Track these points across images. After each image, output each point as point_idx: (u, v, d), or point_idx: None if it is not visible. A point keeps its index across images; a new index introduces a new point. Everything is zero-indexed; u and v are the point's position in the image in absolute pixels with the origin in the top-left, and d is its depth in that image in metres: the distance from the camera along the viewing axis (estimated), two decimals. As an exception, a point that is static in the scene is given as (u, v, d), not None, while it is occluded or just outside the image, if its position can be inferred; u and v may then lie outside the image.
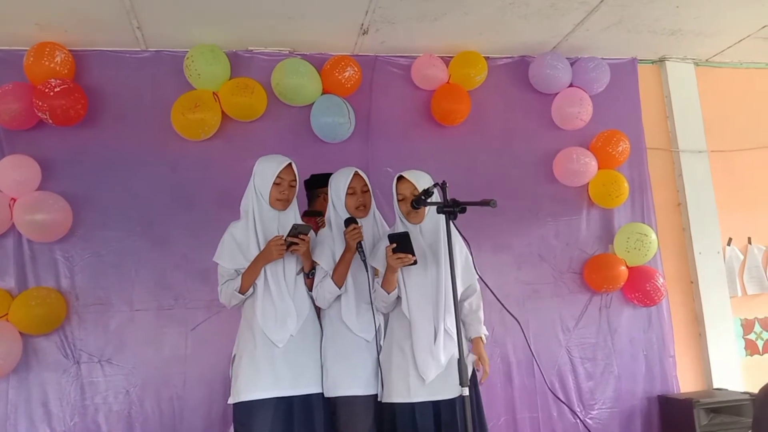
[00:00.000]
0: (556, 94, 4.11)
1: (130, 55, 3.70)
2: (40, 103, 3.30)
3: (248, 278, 2.54)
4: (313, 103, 3.76)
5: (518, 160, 4.04)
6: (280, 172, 2.60)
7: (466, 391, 2.25)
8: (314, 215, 3.15)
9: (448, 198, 2.38)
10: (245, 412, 2.44)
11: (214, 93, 3.61)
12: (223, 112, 3.63)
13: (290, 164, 2.65)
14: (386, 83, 3.96)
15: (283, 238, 2.51)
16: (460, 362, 2.28)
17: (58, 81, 3.35)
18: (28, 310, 3.26)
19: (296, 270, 2.63)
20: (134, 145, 3.60)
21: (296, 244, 2.51)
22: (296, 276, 2.62)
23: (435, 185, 2.50)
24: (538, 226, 4.01)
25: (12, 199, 3.33)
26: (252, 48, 3.80)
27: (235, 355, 2.59)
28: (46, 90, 3.30)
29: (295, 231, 2.50)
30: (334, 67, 3.74)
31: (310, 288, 2.64)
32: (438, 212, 2.41)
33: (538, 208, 4.00)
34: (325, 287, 2.58)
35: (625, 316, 4.08)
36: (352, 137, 3.82)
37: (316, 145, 3.80)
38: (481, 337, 2.72)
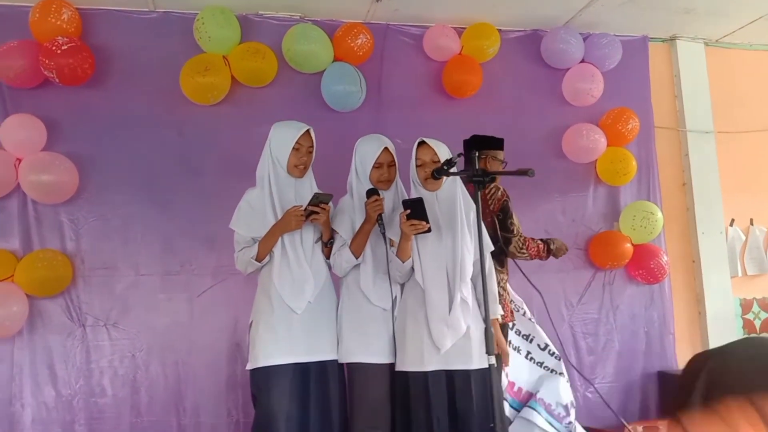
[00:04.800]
0: (568, 69, 4.08)
1: (138, 15, 3.61)
2: (46, 61, 3.23)
3: (265, 246, 2.52)
4: (323, 71, 3.71)
5: (527, 134, 4.01)
6: (299, 138, 2.57)
7: (492, 360, 2.24)
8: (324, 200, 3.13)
9: (477, 167, 2.36)
10: (263, 377, 2.45)
11: (224, 57, 3.54)
12: (232, 77, 3.57)
13: (308, 130, 2.61)
14: (398, 53, 3.92)
15: (303, 207, 2.48)
16: (487, 331, 2.28)
17: (65, 39, 3.26)
18: (33, 272, 3.22)
19: (314, 238, 2.61)
20: (141, 107, 3.54)
21: (316, 213, 2.49)
22: (314, 244, 2.60)
23: (459, 155, 2.48)
24: (545, 202, 4.01)
25: (17, 159, 3.27)
26: (263, 12, 3.73)
27: (252, 322, 2.59)
28: (53, 48, 3.22)
29: (317, 200, 2.48)
30: (346, 34, 3.68)
31: (327, 256, 2.64)
32: (467, 182, 2.39)
33: (545, 183, 3.99)
34: (343, 256, 2.57)
35: (627, 293, 4.13)
36: (362, 107, 3.78)
37: (326, 114, 3.75)
38: (497, 318, 2.72)
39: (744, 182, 4.38)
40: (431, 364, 2.51)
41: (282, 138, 2.59)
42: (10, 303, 3.16)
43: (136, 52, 3.57)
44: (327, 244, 2.63)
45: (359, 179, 2.67)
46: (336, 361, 2.58)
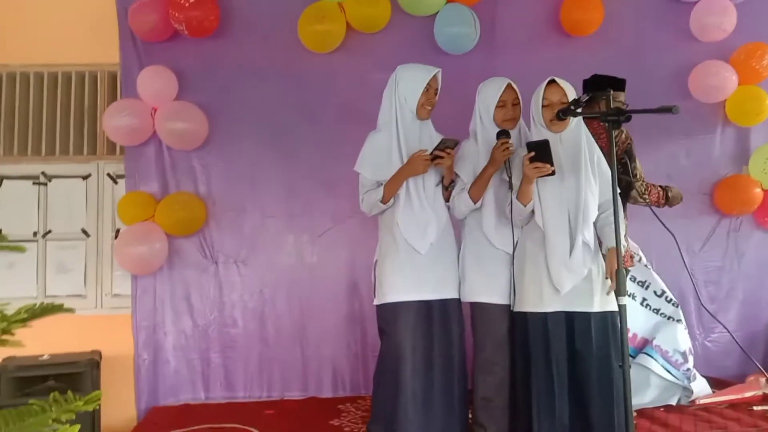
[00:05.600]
0: (696, 1, 3.81)
1: (258, -34, 3.71)
2: (176, 14, 3.41)
3: (391, 189, 2.60)
4: (436, 13, 3.67)
5: (650, 73, 3.81)
6: (431, 79, 2.61)
7: (623, 300, 2.24)
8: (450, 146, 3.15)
9: (611, 106, 2.31)
10: (390, 312, 2.59)
11: (339, 3, 3.59)
12: (347, 24, 3.62)
13: (438, 72, 2.65)
14: (513, -9, 3.81)
15: (429, 151, 2.54)
16: (619, 272, 2.27)
17: (192, -8, 3.43)
18: (172, 213, 3.50)
19: (435, 181, 2.67)
20: (263, 57, 3.68)
21: (442, 157, 2.54)
22: (435, 187, 2.67)
23: (587, 95, 2.43)
24: (669, 144, 3.84)
25: (153, 108, 3.52)
26: (376, -44, 3.72)
27: (377, 261, 2.71)
28: (182, 1, 3.39)
29: (443, 144, 2.53)
30: (459, -26, 3.62)
31: (446, 199, 2.70)
32: (601, 121, 2.35)
33: (669, 125, 3.79)
34: (462, 200, 2.63)
35: (754, 240, 3.94)
36: (475, 49, 3.72)
37: (439, 57, 3.68)
38: (613, 249, 2.66)
39: None
40: (551, 305, 2.54)
41: (412, 79, 2.63)
42: (152, 241, 3.47)
43: (257, 3, 3.69)
44: (447, 188, 2.68)
45: (483, 123, 2.68)
46: (457, 299, 2.67)
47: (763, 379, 3.56)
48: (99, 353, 3.46)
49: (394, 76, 2.70)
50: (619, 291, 2.25)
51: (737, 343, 3.63)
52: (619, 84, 3.04)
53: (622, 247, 2.55)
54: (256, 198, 3.69)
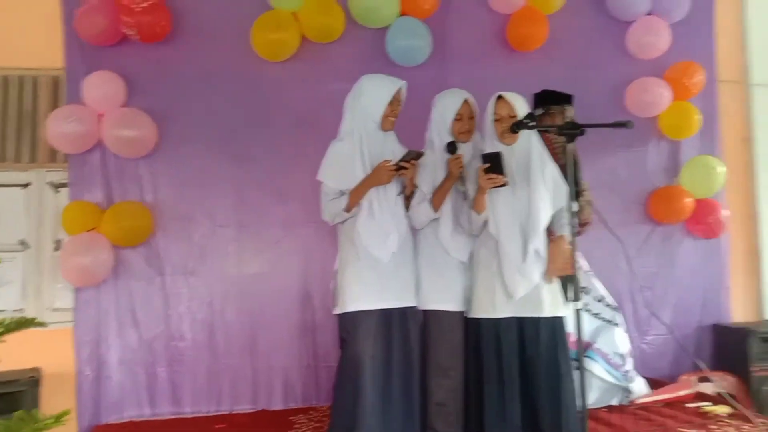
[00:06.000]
0: (633, 21, 4.03)
1: (209, -28, 3.67)
2: (127, 19, 3.32)
3: (354, 198, 2.62)
4: (389, 26, 3.73)
5: (591, 88, 3.97)
6: (396, 92, 2.66)
7: (579, 305, 2.34)
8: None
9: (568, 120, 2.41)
10: (351, 321, 2.60)
11: (293, 13, 3.59)
12: (301, 33, 3.62)
13: (403, 85, 2.71)
14: (464, 6, 3.90)
15: (393, 162, 2.58)
16: (573, 278, 2.38)
17: (142, -3, 3.35)
18: (118, 223, 3.38)
19: (397, 191, 2.71)
20: (215, 63, 3.63)
21: (406, 168, 2.58)
22: (396, 197, 2.71)
23: (540, 109, 2.53)
24: (607, 156, 4.02)
25: (99, 114, 3.40)
26: (330, -33, 3.75)
27: (337, 270, 2.72)
28: (133, 6, 3.30)
29: (408, 156, 2.58)
30: (412, -13, 3.69)
31: (406, 208, 2.74)
32: (557, 134, 2.45)
33: (608, 138, 3.98)
34: (422, 210, 2.68)
35: (684, 247, 4.16)
36: (427, 62, 3.80)
37: (391, 69, 3.67)
38: (564, 236, 2.73)
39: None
40: (503, 311, 2.63)
41: (377, 90, 2.66)
42: (97, 252, 3.35)
43: (210, 10, 3.64)
44: (408, 198, 2.72)
45: (439, 135, 2.75)
46: (415, 307, 2.72)
47: (694, 378, 3.79)
48: (39, 370, 3.30)
49: (358, 86, 2.72)
50: (575, 296, 2.36)
51: (674, 335, 3.85)
52: (567, 99, 3.17)
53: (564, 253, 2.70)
54: (206, 207, 3.62)
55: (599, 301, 3.62)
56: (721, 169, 3.97)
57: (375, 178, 2.60)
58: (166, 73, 3.58)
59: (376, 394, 2.59)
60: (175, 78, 3.59)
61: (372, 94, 2.66)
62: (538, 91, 3.88)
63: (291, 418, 3.35)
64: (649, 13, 4.01)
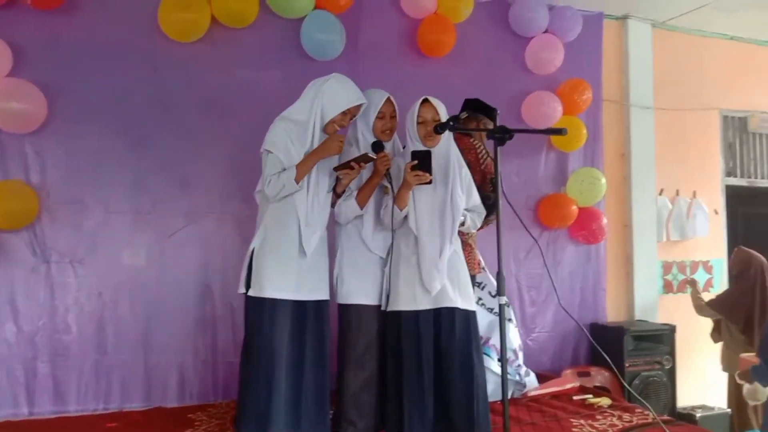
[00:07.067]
0: (532, 38, 4.28)
1: (117, -62, 3.43)
2: (18, -20, 3.03)
3: (303, 170, 2.56)
4: (303, 17, 3.69)
5: (492, 98, 4.01)
6: (354, 107, 2.67)
7: (503, 300, 2.45)
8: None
9: (497, 124, 2.52)
10: (267, 308, 2.56)
11: (205, -7, 3.45)
12: (212, 15, 3.49)
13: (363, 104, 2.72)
14: (377, 6, 3.95)
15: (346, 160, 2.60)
16: (500, 274, 2.47)
17: (37, -43, 3.08)
18: (-2, 203, 3.08)
19: (328, 188, 2.72)
20: (115, 38, 3.40)
21: (352, 168, 2.59)
22: (327, 194, 2.71)
23: (465, 113, 2.63)
24: (503, 163, 4.19)
25: (-20, 83, 3.08)
26: (245, -50, 3.64)
27: (254, 249, 2.61)
28: (26, -34, 3.03)
29: (360, 158, 2.57)
30: (329, -19, 3.67)
31: (332, 204, 2.75)
32: (488, 138, 2.54)
33: (505, 146, 4.17)
34: (349, 207, 2.71)
35: (568, 251, 4.48)
36: (340, 57, 3.79)
37: (303, 62, 3.74)
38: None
39: (674, 156, 4.82)
40: (422, 303, 2.71)
41: (337, 95, 2.64)
42: (-29, 234, 3.02)
43: (114, -20, 3.41)
44: (339, 196, 2.73)
45: (362, 133, 2.77)
46: (327, 301, 2.72)
47: (573, 372, 4.10)
48: None
49: (325, 80, 2.68)
50: (500, 290, 2.46)
51: (591, 339, 4.09)
52: (491, 113, 3.26)
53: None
54: (99, 191, 3.39)
55: (494, 296, 3.77)
56: (603, 180, 4.32)
57: (325, 147, 2.59)
58: (60, 43, 3.31)
59: (290, 385, 2.57)
60: (70, 50, 3.33)
61: (331, 97, 2.63)
62: (444, 97, 4.02)
63: (189, 415, 3.21)
64: (546, 31, 4.28)
